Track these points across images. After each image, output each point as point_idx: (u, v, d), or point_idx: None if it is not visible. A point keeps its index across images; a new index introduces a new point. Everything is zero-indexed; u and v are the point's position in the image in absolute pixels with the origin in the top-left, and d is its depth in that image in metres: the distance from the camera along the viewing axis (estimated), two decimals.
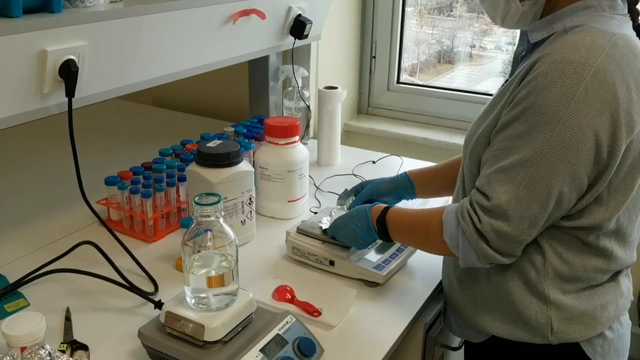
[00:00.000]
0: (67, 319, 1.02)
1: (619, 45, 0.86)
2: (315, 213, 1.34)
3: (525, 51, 0.99)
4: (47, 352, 0.70)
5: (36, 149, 1.70)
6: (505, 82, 1.01)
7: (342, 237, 1.12)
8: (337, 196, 1.32)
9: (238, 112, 1.94)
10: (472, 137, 0.99)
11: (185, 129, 1.79)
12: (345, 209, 1.25)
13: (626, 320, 1.04)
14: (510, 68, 1.08)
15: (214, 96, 2.03)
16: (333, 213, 1.22)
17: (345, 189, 1.30)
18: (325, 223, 1.19)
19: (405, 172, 1.27)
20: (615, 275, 1.00)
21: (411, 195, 1.26)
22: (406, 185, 1.25)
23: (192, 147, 1.48)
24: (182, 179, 1.32)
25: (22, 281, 1.08)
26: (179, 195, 1.33)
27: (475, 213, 0.90)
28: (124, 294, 1.08)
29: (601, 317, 0.97)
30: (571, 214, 0.92)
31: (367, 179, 1.35)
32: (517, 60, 1.03)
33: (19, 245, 1.22)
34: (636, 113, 0.86)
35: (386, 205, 1.09)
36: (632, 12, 0.95)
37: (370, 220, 1.07)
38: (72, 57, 1.00)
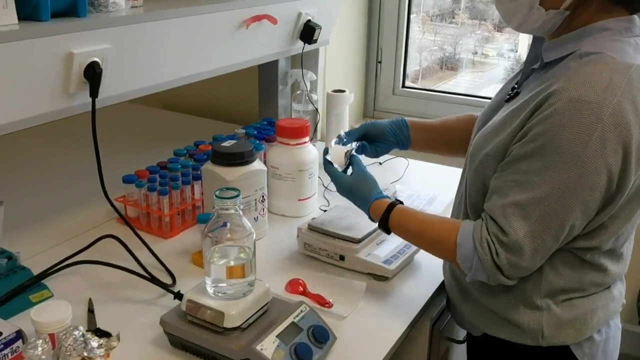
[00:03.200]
0: (90, 309, 1.07)
1: (634, 80, 0.85)
2: (325, 211, 1.39)
3: (539, 65, 0.98)
4: (80, 333, 0.75)
5: (54, 148, 1.75)
6: (513, 91, 1.02)
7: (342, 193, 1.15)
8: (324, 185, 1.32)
9: (247, 115, 1.99)
10: (478, 153, 0.98)
11: (196, 131, 1.84)
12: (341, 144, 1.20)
13: (616, 324, 1.06)
14: (513, 73, 1.09)
15: (223, 100, 2.09)
16: (332, 145, 1.20)
17: (342, 132, 1.25)
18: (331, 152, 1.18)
19: (402, 118, 1.28)
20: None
21: (406, 137, 1.24)
22: (402, 126, 1.24)
23: (205, 147, 1.53)
24: (196, 177, 1.37)
25: (46, 273, 1.13)
26: (193, 194, 1.37)
27: (494, 245, 0.91)
28: (142, 286, 1.12)
29: (591, 321, 0.99)
30: (575, 237, 0.93)
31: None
32: (527, 70, 1.02)
33: (40, 240, 1.27)
34: None
35: (390, 201, 1.07)
36: None
37: (368, 212, 1.09)
38: (96, 59, 1.05)
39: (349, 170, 1.16)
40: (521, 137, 0.90)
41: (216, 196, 0.92)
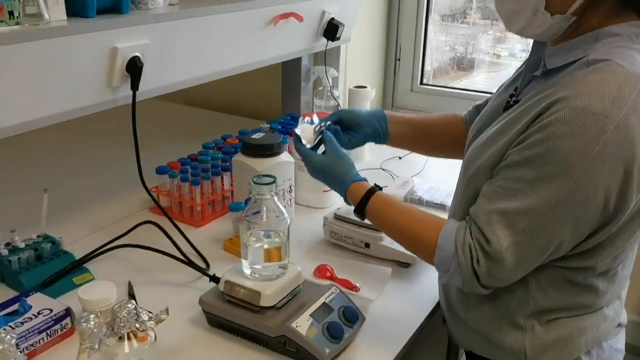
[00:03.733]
0: (130, 291, 1.13)
1: None
2: (349, 203, 1.44)
3: (541, 72, 0.92)
4: (133, 306, 0.80)
5: (87, 141, 1.83)
6: (512, 98, 0.97)
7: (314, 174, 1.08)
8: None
9: (269, 111, 2.04)
10: (472, 164, 0.93)
11: (220, 126, 1.89)
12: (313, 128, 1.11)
13: (611, 345, 0.99)
14: (514, 75, 1.04)
15: (246, 96, 2.15)
16: (304, 124, 1.13)
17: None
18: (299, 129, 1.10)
19: (381, 109, 1.22)
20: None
21: (384, 130, 1.18)
22: (380, 118, 1.17)
23: (233, 141, 1.59)
24: (225, 169, 1.43)
25: (88, 257, 1.19)
26: (223, 184, 1.43)
27: (476, 252, 0.86)
28: (178, 270, 1.18)
29: (578, 342, 0.94)
30: (565, 256, 0.89)
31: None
32: (527, 76, 0.97)
33: (78, 227, 1.33)
34: None
35: (370, 187, 1.02)
36: None
37: (345, 196, 1.05)
38: (137, 54, 1.11)
39: (321, 149, 1.09)
40: (519, 142, 0.85)
41: (253, 182, 0.97)
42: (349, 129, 1.16)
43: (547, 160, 0.81)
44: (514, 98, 0.97)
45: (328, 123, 1.11)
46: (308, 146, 1.08)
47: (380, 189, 1.03)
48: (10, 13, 0.93)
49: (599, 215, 0.83)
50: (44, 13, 0.96)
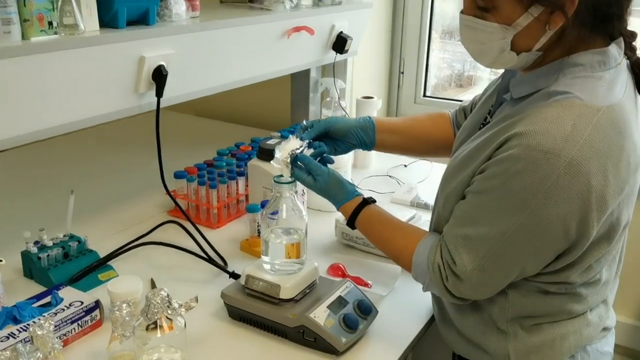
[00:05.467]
0: (153, 288, 1.18)
1: (602, 125, 0.82)
2: None
3: (509, 97, 0.95)
4: (166, 294, 0.86)
5: (109, 146, 1.91)
6: (486, 120, 1.01)
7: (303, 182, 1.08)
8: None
9: (279, 121, 2.12)
10: (449, 181, 0.97)
11: (231, 135, 1.96)
12: (299, 140, 1.09)
13: (596, 349, 1.00)
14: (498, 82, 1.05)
15: (255, 106, 2.22)
16: (290, 140, 1.09)
17: (305, 121, 1.17)
18: (279, 150, 1.07)
19: (369, 116, 1.21)
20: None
21: (370, 140, 1.20)
22: (367, 128, 1.19)
23: (246, 148, 1.66)
24: (240, 174, 1.49)
25: (112, 255, 1.25)
26: (237, 188, 1.49)
27: (445, 271, 0.93)
28: (198, 268, 1.24)
29: (560, 347, 0.96)
30: (539, 273, 0.91)
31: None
32: (499, 98, 1.00)
33: (102, 228, 1.40)
34: (611, 195, 0.83)
35: (361, 201, 1.06)
36: (629, 49, 0.92)
37: (337, 207, 1.08)
38: (162, 63, 1.18)
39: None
40: (481, 171, 0.89)
41: (274, 181, 1.04)
42: (334, 139, 1.18)
43: (503, 193, 0.85)
44: (487, 118, 1.02)
45: (306, 144, 1.09)
46: (283, 173, 1.06)
47: (370, 202, 1.07)
48: (50, 23, 1.00)
49: (561, 242, 0.86)
50: (80, 24, 1.04)
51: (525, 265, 0.89)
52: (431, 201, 1.59)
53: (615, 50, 0.88)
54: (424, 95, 2.29)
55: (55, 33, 1.01)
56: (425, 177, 1.77)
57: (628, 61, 0.92)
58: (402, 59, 2.26)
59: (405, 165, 1.87)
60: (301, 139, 1.09)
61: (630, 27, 0.92)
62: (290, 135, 1.10)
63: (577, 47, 0.87)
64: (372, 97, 1.83)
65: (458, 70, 2.45)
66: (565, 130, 0.81)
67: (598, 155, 0.81)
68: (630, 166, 0.85)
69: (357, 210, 1.06)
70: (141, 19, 1.16)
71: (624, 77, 0.90)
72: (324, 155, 1.12)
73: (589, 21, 0.85)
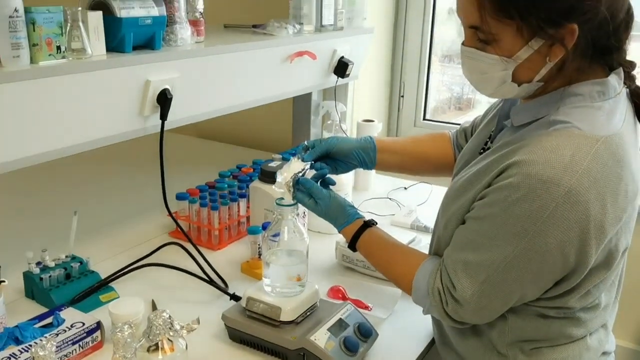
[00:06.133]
0: (154, 309, 1.19)
1: (601, 155, 0.83)
2: None
3: (511, 124, 0.96)
4: (168, 315, 0.87)
5: (110, 168, 1.92)
6: (486, 145, 1.02)
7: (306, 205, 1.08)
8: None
9: (280, 143, 2.14)
10: (449, 205, 0.97)
11: (232, 157, 1.98)
12: (301, 160, 1.10)
13: None
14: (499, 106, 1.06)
15: (257, 128, 2.24)
16: (292, 161, 1.10)
17: (306, 142, 1.18)
18: (281, 174, 1.08)
19: (370, 136, 1.22)
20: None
21: (371, 161, 1.20)
22: (368, 149, 1.19)
23: (247, 170, 1.67)
24: (241, 196, 1.51)
25: (114, 277, 1.25)
26: (239, 210, 1.51)
27: (445, 296, 0.93)
28: (199, 289, 1.25)
29: None
30: (538, 299, 0.92)
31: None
32: (500, 124, 1.02)
33: (103, 249, 1.40)
34: (609, 223, 0.84)
35: (362, 224, 1.07)
36: (628, 78, 0.93)
37: (338, 230, 1.09)
38: (167, 86, 1.20)
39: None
40: (481, 197, 0.90)
41: (276, 203, 1.05)
42: (335, 159, 1.19)
43: (502, 221, 0.86)
44: (488, 143, 1.03)
45: (306, 169, 1.10)
46: (285, 196, 1.07)
47: (372, 225, 1.08)
48: (58, 48, 1.02)
49: (560, 269, 0.87)
50: (87, 48, 1.06)
51: (525, 291, 0.90)
52: (431, 224, 1.61)
53: (615, 81, 0.90)
54: (424, 119, 2.31)
55: (64, 57, 1.03)
56: (425, 199, 1.78)
57: (627, 90, 0.94)
58: (402, 82, 2.29)
59: (405, 188, 1.89)
60: (303, 160, 1.10)
61: (630, 53, 0.93)
62: (292, 157, 1.11)
63: (577, 77, 0.89)
64: (372, 120, 1.85)
65: (457, 93, 2.48)
66: (564, 160, 0.82)
67: (596, 185, 0.82)
68: (628, 195, 0.86)
69: (358, 233, 1.07)
70: (147, 44, 1.18)
71: (623, 107, 0.91)
72: (326, 177, 1.14)
73: (588, 53, 0.86)
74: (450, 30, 2.31)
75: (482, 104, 2.43)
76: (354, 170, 1.67)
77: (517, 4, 0.83)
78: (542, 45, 0.85)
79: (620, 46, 0.89)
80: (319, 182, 1.12)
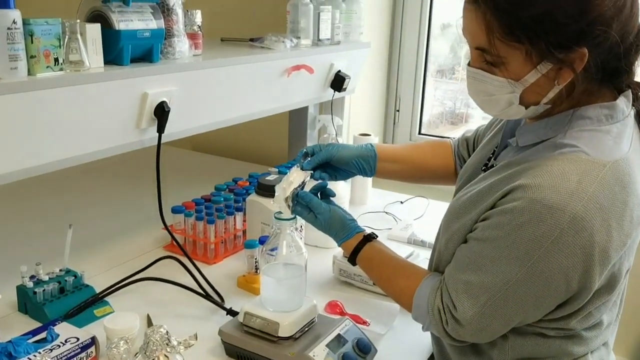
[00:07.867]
0: (150, 324, 1.17)
1: (607, 181, 0.82)
2: None
3: (516, 144, 0.95)
4: (165, 331, 0.86)
5: (105, 181, 1.91)
6: (489, 161, 1.01)
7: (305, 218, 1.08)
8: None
9: (276, 156, 2.13)
10: (451, 224, 0.96)
11: (228, 170, 1.97)
12: (301, 171, 1.09)
13: None
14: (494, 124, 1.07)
15: (253, 142, 2.24)
16: (292, 171, 1.10)
17: (305, 149, 1.17)
18: (279, 189, 1.07)
19: (371, 144, 1.21)
20: None
21: (371, 169, 1.19)
22: (369, 157, 1.18)
23: (244, 183, 1.66)
24: (238, 209, 1.50)
25: (108, 291, 1.24)
26: (235, 224, 1.50)
27: (445, 315, 0.92)
28: (194, 304, 1.23)
29: None
30: (539, 320, 0.92)
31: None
32: (504, 142, 1.01)
33: (98, 263, 1.39)
34: (613, 249, 0.84)
35: (362, 238, 1.06)
36: (636, 100, 0.92)
37: (338, 244, 1.09)
38: (165, 99, 1.20)
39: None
40: (484, 218, 0.89)
41: (275, 217, 1.04)
42: (336, 166, 1.18)
43: (506, 244, 0.85)
44: (492, 161, 1.02)
45: (305, 180, 1.09)
46: (284, 211, 1.06)
47: (372, 239, 1.07)
48: (56, 60, 1.01)
49: (563, 293, 0.86)
50: (85, 60, 1.06)
51: (526, 314, 0.89)
52: (428, 238, 1.61)
53: (623, 103, 0.89)
54: (419, 133, 2.32)
55: (61, 69, 1.02)
56: (422, 214, 1.78)
57: (635, 111, 0.92)
58: (398, 97, 2.29)
59: (401, 202, 1.88)
60: (302, 168, 1.09)
61: (638, 75, 0.93)
62: (292, 167, 1.10)
63: (586, 100, 0.88)
64: (369, 134, 1.85)
65: (449, 107, 2.49)
66: (571, 185, 0.81)
67: (602, 211, 0.81)
68: (633, 220, 0.85)
69: (359, 247, 1.06)
70: (145, 57, 1.18)
71: (631, 129, 0.90)
72: (326, 188, 1.13)
73: (597, 76, 0.86)
74: (442, 45, 2.32)
75: (475, 118, 2.44)
76: (350, 184, 1.68)
77: (527, 29, 0.82)
78: (551, 68, 0.84)
79: (630, 69, 0.89)
80: (318, 194, 1.11)
